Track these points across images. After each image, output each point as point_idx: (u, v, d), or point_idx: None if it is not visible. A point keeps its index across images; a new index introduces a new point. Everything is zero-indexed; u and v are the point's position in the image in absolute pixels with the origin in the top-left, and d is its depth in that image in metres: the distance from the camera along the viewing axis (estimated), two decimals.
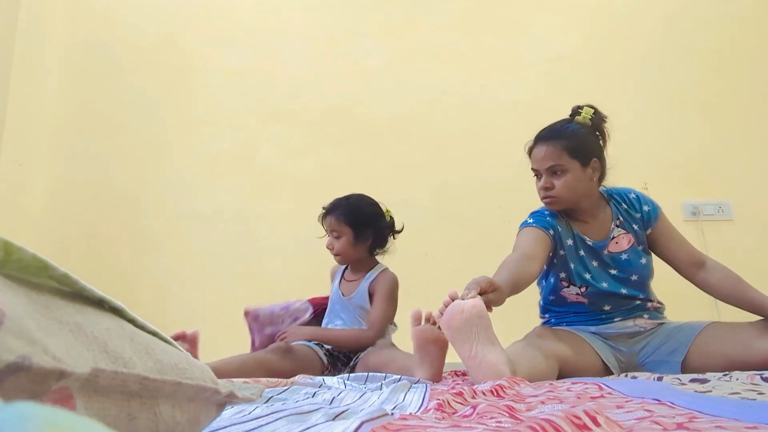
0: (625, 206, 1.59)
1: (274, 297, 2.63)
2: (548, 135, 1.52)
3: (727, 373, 1.21)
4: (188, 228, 2.80)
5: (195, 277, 2.72)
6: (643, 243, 1.57)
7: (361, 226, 1.82)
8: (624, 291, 1.54)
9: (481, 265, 2.62)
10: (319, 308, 1.92)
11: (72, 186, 2.87)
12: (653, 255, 1.60)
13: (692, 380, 1.10)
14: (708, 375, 1.20)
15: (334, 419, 0.60)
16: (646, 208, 1.58)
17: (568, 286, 1.56)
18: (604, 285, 1.53)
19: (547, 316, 1.66)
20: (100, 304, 0.37)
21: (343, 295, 1.87)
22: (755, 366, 1.29)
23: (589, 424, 0.50)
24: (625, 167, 2.82)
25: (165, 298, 2.70)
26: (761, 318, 1.39)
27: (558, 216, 1.56)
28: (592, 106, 1.57)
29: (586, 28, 3.03)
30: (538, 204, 1.60)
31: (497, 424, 0.55)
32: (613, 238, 1.55)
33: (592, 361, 1.46)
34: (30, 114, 2.79)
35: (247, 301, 2.06)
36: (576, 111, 1.57)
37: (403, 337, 1.56)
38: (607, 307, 1.54)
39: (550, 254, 1.55)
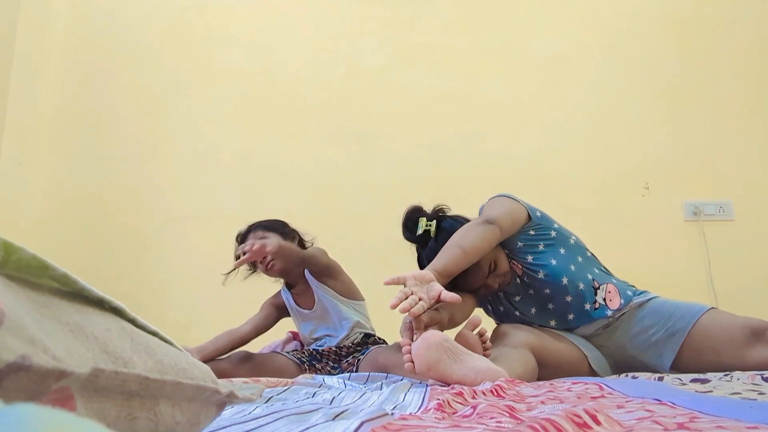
0: None
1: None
2: None
3: (727, 373, 1.22)
4: (188, 228, 2.80)
5: (195, 277, 2.72)
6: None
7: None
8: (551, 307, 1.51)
9: None
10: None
11: (72, 186, 2.87)
12: None
13: (693, 380, 1.10)
14: (709, 375, 1.20)
15: (334, 419, 0.60)
16: None
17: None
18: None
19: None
20: (100, 304, 0.37)
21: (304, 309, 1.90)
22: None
23: (590, 422, 0.50)
24: (626, 167, 2.85)
25: (165, 298, 2.70)
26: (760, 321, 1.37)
27: None
28: None
29: (586, 28, 3.03)
30: (537, 203, 1.59)
31: (497, 424, 0.55)
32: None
33: (570, 348, 1.43)
34: (30, 114, 2.79)
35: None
36: None
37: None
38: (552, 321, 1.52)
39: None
